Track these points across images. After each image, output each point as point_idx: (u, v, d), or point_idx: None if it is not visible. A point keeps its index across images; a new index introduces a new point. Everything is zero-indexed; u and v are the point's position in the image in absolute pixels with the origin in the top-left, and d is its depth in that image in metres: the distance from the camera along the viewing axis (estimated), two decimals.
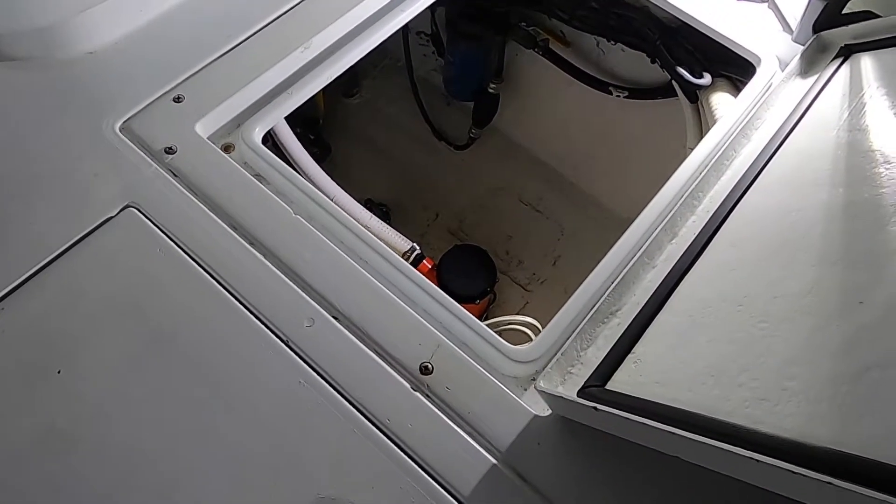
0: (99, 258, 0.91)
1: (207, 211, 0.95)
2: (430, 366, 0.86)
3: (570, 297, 0.95)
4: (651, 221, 1.01)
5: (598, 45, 1.68)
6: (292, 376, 0.84)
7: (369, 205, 1.94)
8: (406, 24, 1.29)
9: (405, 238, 1.38)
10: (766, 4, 1.27)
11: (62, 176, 0.98)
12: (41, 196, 0.96)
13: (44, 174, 0.98)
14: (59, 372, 0.82)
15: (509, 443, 0.81)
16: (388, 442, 0.80)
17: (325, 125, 2.02)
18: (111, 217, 0.94)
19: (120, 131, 1.02)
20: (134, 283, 0.90)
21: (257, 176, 1.02)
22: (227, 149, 1.06)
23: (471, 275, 1.68)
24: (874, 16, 1.10)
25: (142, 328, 0.87)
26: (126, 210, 0.95)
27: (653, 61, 1.46)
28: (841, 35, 1.14)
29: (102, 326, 0.87)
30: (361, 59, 1.23)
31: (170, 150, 1.00)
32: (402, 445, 0.80)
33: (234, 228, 0.95)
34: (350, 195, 1.32)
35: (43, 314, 0.87)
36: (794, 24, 1.21)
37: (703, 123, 1.36)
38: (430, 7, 1.32)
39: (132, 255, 0.92)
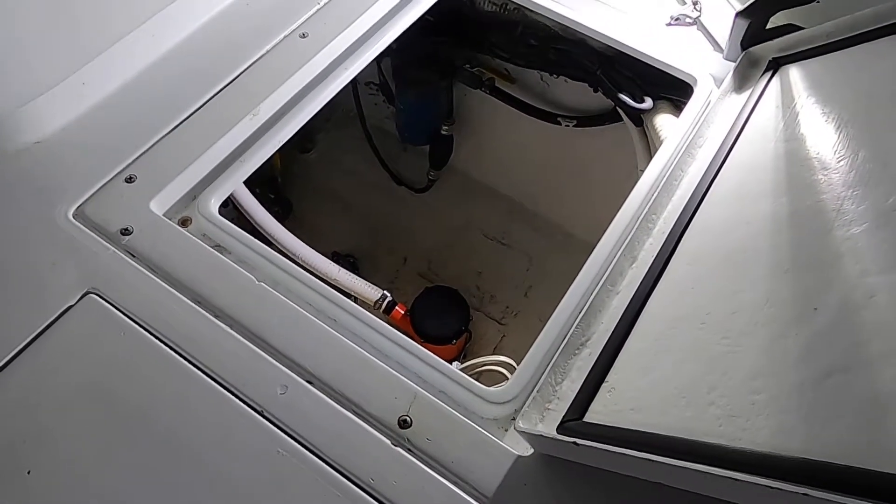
0: (62, 350, 0.89)
1: (169, 288, 0.95)
2: (408, 419, 0.85)
3: (542, 328, 0.96)
4: (611, 247, 1.03)
5: (542, 79, 1.72)
6: (270, 446, 0.83)
7: (336, 257, 1.94)
8: (354, 77, 1.32)
9: (375, 287, 1.39)
10: (694, 27, 1.32)
11: (18, 268, 0.97)
12: None
13: None
14: (28, 473, 0.80)
15: (496, 487, 0.81)
16: (375, 502, 0.79)
17: (283, 182, 2.03)
18: (71, 306, 0.93)
19: (74, 217, 1.01)
20: (100, 371, 0.89)
21: (217, 247, 1.02)
22: (184, 223, 1.06)
23: (445, 316, 1.69)
24: (797, 28, 1.15)
25: (112, 415, 0.85)
26: (86, 297, 0.93)
27: (595, 90, 1.51)
28: (768, 49, 1.18)
29: (71, 419, 0.85)
30: (314, 116, 1.24)
31: (126, 232, 1.00)
32: None
33: (198, 303, 0.94)
34: (316, 250, 1.32)
35: (8, 414, 0.85)
36: (723, 43, 1.26)
37: (650, 145, 1.40)
38: (376, 59, 1.35)
39: (96, 341, 0.90)
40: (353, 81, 1.77)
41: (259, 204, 1.31)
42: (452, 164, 2.13)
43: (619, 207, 1.08)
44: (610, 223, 1.06)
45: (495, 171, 2.12)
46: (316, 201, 2.13)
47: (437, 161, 2.10)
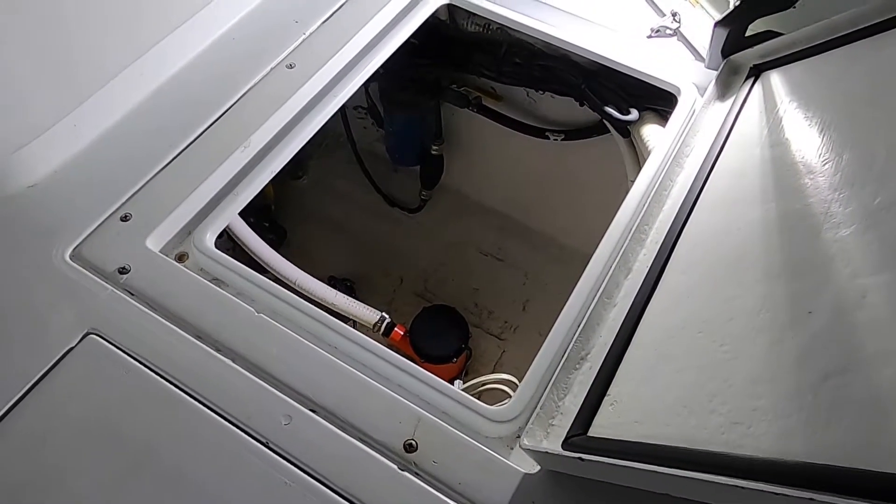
0: (64, 393, 0.90)
1: (169, 324, 0.95)
2: (413, 442, 0.86)
3: (543, 342, 0.96)
4: (605, 260, 1.04)
5: (528, 95, 1.74)
6: (277, 478, 0.83)
7: (333, 282, 1.94)
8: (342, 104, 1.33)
9: (373, 309, 1.39)
10: (675, 38, 1.34)
11: (17, 312, 0.97)
12: None
13: None
14: None
15: None
16: None
17: (277, 210, 2.04)
18: (72, 347, 0.93)
19: (70, 259, 1.02)
20: (104, 410, 0.89)
21: (215, 280, 1.03)
22: (181, 258, 1.06)
23: (444, 335, 1.69)
24: (776, 34, 1.17)
25: (118, 455, 0.85)
26: (87, 338, 0.94)
27: (581, 104, 1.52)
28: (748, 56, 1.20)
29: (76, 462, 0.85)
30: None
31: (123, 270, 1.00)
32: None
33: (199, 337, 0.94)
34: (312, 276, 1.33)
35: (15, 457, 0.85)
36: (704, 52, 1.28)
37: (638, 155, 1.42)
38: (363, 84, 1.36)
39: (99, 382, 0.90)
40: (342, 106, 1.79)
41: (254, 233, 1.32)
42: (444, 183, 2.14)
43: (611, 218, 1.09)
44: (603, 235, 1.07)
45: (487, 187, 2.13)
46: (310, 227, 2.14)
47: (429, 181, 2.11)
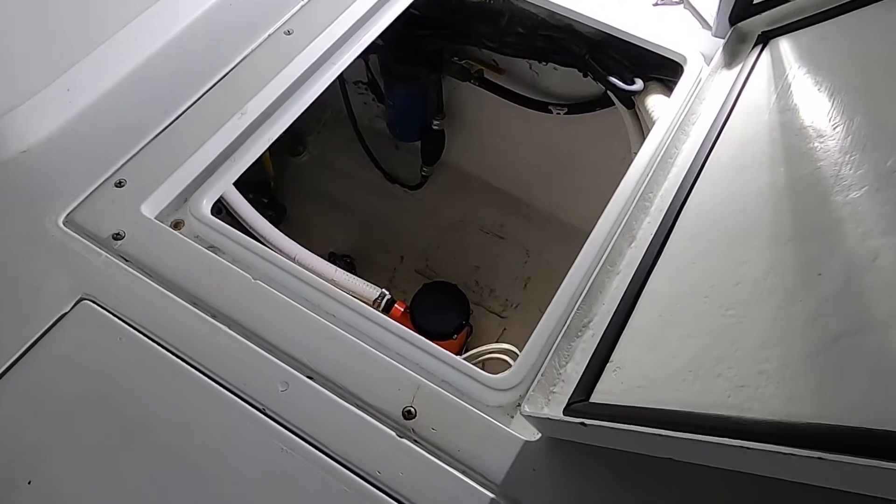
0: (58, 357, 0.88)
1: (164, 291, 0.94)
2: (412, 409, 0.84)
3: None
4: (608, 229, 1.02)
5: (530, 68, 1.71)
6: (274, 444, 0.81)
7: (333, 258, 1.93)
8: (342, 76, 1.31)
9: (373, 285, 1.37)
10: (681, 6, 1.32)
11: (10, 279, 0.96)
12: None
13: None
14: (29, 483, 0.79)
15: (504, 473, 0.80)
16: (382, 495, 0.78)
17: (276, 187, 2.02)
18: (66, 313, 0.91)
19: (64, 225, 1.00)
20: (98, 377, 0.87)
21: (211, 248, 1.01)
22: (176, 225, 1.04)
23: (444, 312, 1.67)
24: (784, 1, 1.14)
25: (112, 422, 0.84)
26: (81, 303, 0.92)
27: (585, 75, 1.50)
28: (756, 23, 1.18)
29: (70, 427, 0.84)
30: (302, 114, 1.23)
31: (118, 236, 0.99)
32: (397, 496, 0.78)
33: (195, 304, 0.93)
34: (312, 252, 1.31)
35: (7, 424, 0.84)
36: (710, 20, 1.25)
37: (643, 127, 1.39)
38: (363, 56, 1.34)
39: (92, 348, 0.89)
40: (342, 81, 1.77)
41: (252, 209, 1.30)
42: (445, 159, 2.12)
43: (615, 192, 1.07)
44: (605, 207, 1.05)
45: (488, 163, 2.11)
46: (310, 204, 2.12)
47: (430, 157, 2.09)
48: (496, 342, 1.81)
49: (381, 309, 1.39)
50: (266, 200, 1.95)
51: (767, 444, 0.55)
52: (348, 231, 2.11)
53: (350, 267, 1.96)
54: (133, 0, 1.16)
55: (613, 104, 1.49)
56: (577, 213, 1.94)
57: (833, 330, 0.62)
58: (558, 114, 1.69)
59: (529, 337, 0.92)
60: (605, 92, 1.50)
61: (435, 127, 1.99)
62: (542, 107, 1.70)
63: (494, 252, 2.05)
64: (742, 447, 0.56)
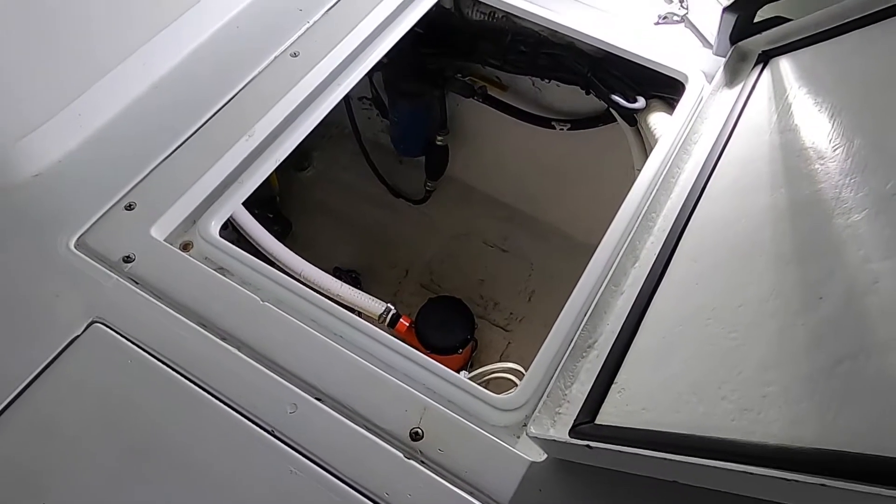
0: (69, 381, 0.89)
1: (174, 313, 0.95)
2: (420, 431, 0.85)
3: (549, 332, 0.96)
4: (612, 248, 1.03)
5: (533, 85, 1.73)
6: (282, 466, 0.83)
7: (338, 273, 1.94)
8: (347, 93, 1.32)
9: (378, 300, 1.39)
10: (682, 24, 1.33)
11: (22, 301, 0.97)
12: (1, 325, 0.94)
13: (1, 302, 0.97)
14: None
15: (511, 495, 0.80)
16: None
17: (282, 202, 2.04)
18: (77, 336, 0.93)
19: (75, 248, 1.01)
20: (109, 400, 0.88)
21: (220, 269, 1.02)
22: (185, 247, 1.06)
23: (449, 326, 1.68)
24: (784, 20, 1.16)
25: (123, 444, 0.85)
26: (92, 326, 0.93)
27: (587, 93, 1.51)
28: (757, 43, 1.19)
29: (82, 451, 0.85)
30: (309, 134, 1.25)
31: (128, 259, 1.00)
32: None
33: (204, 326, 0.94)
34: (317, 267, 1.32)
35: (17, 451, 0.85)
36: (711, 38, 1.27)
37: (645, 144, 1.40)
38: (368, 73, 1.35)
39: (103, 371, 0.90)
40: (346, 97, 1.78)
41: (258, 224, 1.32)
42: (449, 173, 2.14)
43: (618, 208, 1.08)
44: (610, 224, 1.06)
45: (492, 178, 2.12)
46: (315, 219, 2.14)
47: (434, 172, 2.10)
48: (500, 358, 1.82)
49: (386, 323, 1.41)
50: (272, 215, 1.96)
51: (770, 469, 0.56)
52: (353, 245, 2.12)
53: (355, 282, 1.97)
54: (141, 27, 1.18)
55: (616, 121, 1.51)
56: (581, 226, 1.95)
57: (834, 353, 0.62)
58: (561, 129, 1.70)
59: (535, 356, 0.93)
60: (608, 108, 1.51)
61: (439, 142, 2.01)
62: (546, 122, 1.72)
63: (498, 265, 2.06)
64: (744, 472, 0.57)
